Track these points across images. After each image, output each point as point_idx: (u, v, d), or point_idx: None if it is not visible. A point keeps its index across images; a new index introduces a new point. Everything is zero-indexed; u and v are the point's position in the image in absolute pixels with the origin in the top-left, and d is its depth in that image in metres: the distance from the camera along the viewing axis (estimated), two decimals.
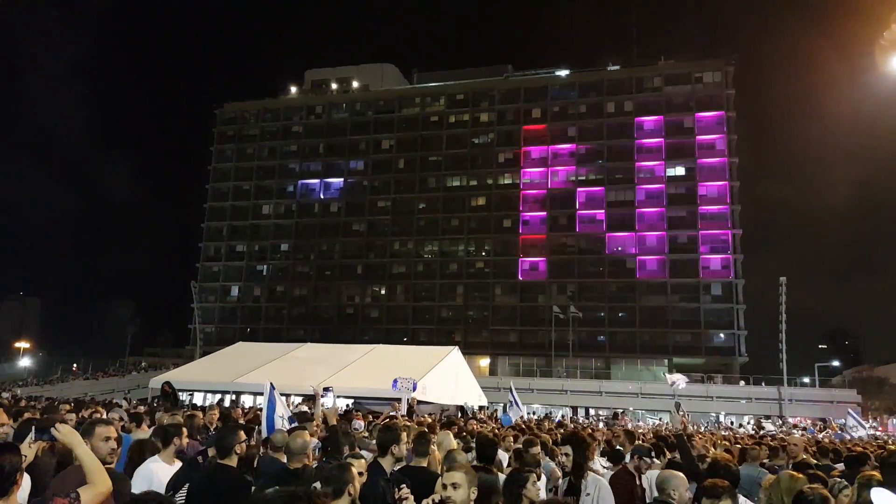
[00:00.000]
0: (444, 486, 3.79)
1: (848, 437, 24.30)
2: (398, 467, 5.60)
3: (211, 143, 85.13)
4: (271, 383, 9.82)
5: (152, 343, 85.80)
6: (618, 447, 10.05)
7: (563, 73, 76.75)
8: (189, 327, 75.49)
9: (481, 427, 13.03)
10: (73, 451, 3.81)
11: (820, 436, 25.48)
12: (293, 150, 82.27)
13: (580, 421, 29.79)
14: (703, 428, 28.93)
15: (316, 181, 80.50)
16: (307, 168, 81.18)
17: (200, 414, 10.57)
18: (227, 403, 20.72)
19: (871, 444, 16.21)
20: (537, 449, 6.96)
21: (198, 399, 24.41)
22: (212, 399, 22.63)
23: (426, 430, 7.67)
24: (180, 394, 24.68)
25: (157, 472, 5.77)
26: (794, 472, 4.47)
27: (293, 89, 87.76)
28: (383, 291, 76.19)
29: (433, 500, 3.82)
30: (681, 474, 5.30)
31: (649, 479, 7.09)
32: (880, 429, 42.84)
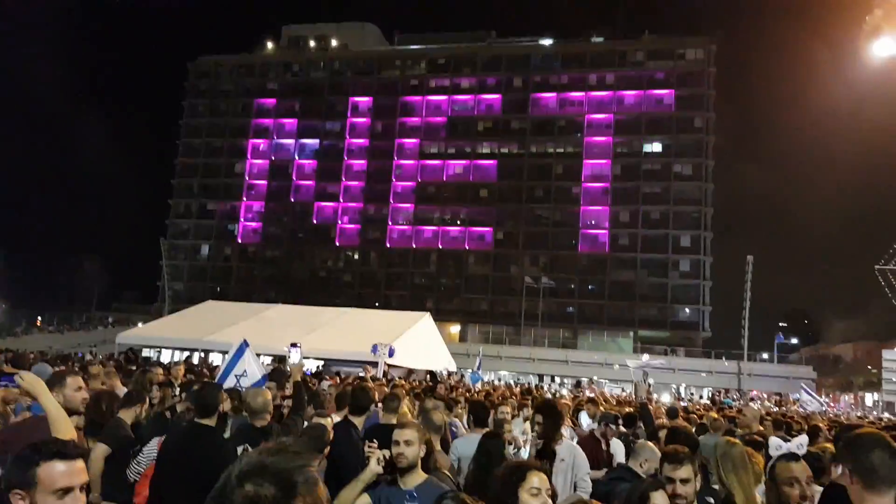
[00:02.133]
0: (397, 443, 3.91)
1: (801, 410, 25.16)
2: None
3: (183, 98, 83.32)
4: (245, 340, 9.78)
5: (119, 298, 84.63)
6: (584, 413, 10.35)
7: (547, 42, 76.26)
8: (157, 284, 74.77)
9: (449, 392, 13.25)
10: (37, 400, 3.64)
11: (774, 409, 26.28)
12: (268, 109, 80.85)
13: (545, 388, 30.31)
14: (664, 399, 29.67)
15: (291, 141, 79.44)
16: (282, 128, 79.98)
17: (160, 370, 10.56)
18: (195, 361, 20.71)
19: (823, 419, 16.82)
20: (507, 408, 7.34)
21: (165, 356, 24.35)
22: (180, 357, 22.60)
23: (403, 391, 7.88)
24: (147, 350, 24.62)
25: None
26: (731, 438, 4.67)
27: (269, 45, 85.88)
28: (357, 256, 76.06)
29: (384, 456, 3.95)
30: (654, 447, 5.51)
31: (615, 445, 7.36)
32: (831, 405, 44.33)
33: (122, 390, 8.54)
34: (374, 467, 3.95)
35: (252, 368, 9.31)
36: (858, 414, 33.52)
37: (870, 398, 58.20)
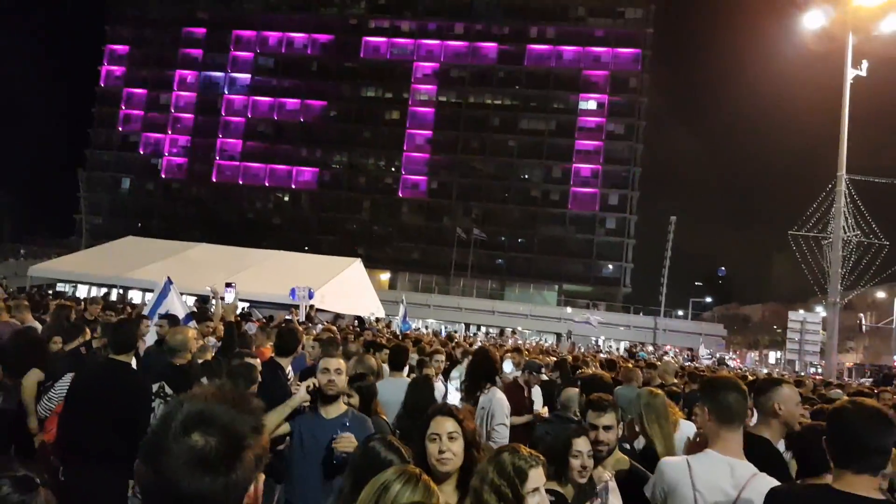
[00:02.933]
0: (327, 370, 3.96)
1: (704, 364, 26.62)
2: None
3: (106, 21, 78.32)
4: (169, 278, 9.49)
5: (32, 230, 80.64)
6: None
7: None
8: (74, 217, 71.51)
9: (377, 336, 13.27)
10: None
11: (688, 363, 27.63)
12: (197, 38, 76.93)
13: (470, 337, 30.87)
14: (583, 350, 30.74)
15: (220, 74, 76.23)
16: (212, 60, 76.37)
17: (73, 305, 10.19)
18: (113, 298, 20.03)
19: (731, 374, 17.71)
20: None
21: (81, 292, 23.45)
22: (97, 293, 21.79)
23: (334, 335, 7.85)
24: (62, 285, 23.63)
25: None
26: (654, 389, 4.82)
27: None
28: (287, 199, 74.56)
29: (313, 384, 3.98)
30: (576, 390, 5.70)
31: (536, 392, 7.57)
32: (738, 361, 47.12)
33: (34, 325, 8.20)
34: (304, 394, 4.00)
35: (176, 307, 9.10)
36: (764, 371, 35.66)
37: (773, 356, 62.12)
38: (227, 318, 6.57)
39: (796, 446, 3.56)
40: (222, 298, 8.43)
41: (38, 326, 8.16)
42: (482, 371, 5.57)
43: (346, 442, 3.58)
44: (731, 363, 26.70)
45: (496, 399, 5.37)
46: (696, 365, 25.43)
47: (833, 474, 2.52)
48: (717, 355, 31.99)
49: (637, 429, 4.37)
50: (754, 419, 3.77)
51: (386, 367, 6.89)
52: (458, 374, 7.71)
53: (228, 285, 15.59)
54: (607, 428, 3.52)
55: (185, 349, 5.60)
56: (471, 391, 5.59)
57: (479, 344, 22.32)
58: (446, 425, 2.81)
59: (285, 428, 3.95)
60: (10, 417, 5.70)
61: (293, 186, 73.95)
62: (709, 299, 73.23)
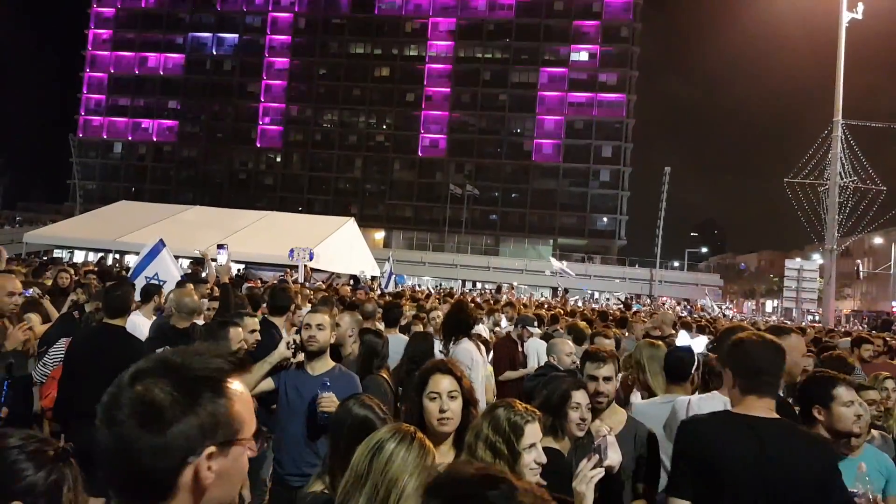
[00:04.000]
0: (309, 326, 3.95)
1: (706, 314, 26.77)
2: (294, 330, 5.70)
3: None
4: (162, 240, 9.40)
5: (26, 197, 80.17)
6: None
7: None
8: (68, 183, 70.92)
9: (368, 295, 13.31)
10: None
11: (684, 314, 27.84)
12: (183, 0, 75.39)
13: (468, 293, 31.02)
14: (579, 303, 30.91)
15: (208, 35, 74.83)
16: (199, 19, 74.93)
17: (71, 271, 10.15)
18: (109, 262, 20.00)
19: (729, 323, 17.85)
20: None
21: (78, 258, 23.44)
22: (93, 258, 21.76)
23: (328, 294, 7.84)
24: (59, 251, 23.59)
25: (139, 325, 5.88)
26: (653, 340, 4.84)
27: None
28: (279, 159, 73.96)
29: (294, 340, 3.99)
30: (566, 341, 5.67)
31: (530, 346, 7.61)
32: (735, 310, 47.25)
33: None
34: (283, 349, 3.96)
35: (170, 269, 9.03)
36: (761, 319, 35.91)
37: (770, 305, 62.46)
38: (222, 279, 6.54)
39: (800, 396, 3.43)
40: (214, 260, 8.35)
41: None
42: (454, 323, 5.44)
43: (328, 402, 3.54)
44: (728, 312, 26.98)
45: (460, 349, 5.22)
46: (697, 315, 25.62)
47: (735, 402, 2.70)
48: (715, 305, 32.19)
49: (636, 381, 4.39)
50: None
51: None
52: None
53: (220, 247, 15.55)
54: (607, 379, 3.49)
55: (197, 311, 5.59)
56: (445, 345, 5.51)
57: (478, 298, 22.48)
58: (445, 383, 2.74)
59: (269, 384, 3.94)
60: (28, 382, 5.66)
61: (283, 147, 73.23)
62: (704, 249, 73.58)
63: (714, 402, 3.28)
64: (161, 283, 8.30)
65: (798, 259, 32.10)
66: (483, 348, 5.77)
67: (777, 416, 2.61)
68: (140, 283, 8.23)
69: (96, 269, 12.84)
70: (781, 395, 3.49)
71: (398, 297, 13.31)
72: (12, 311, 4.46)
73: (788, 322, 26.55)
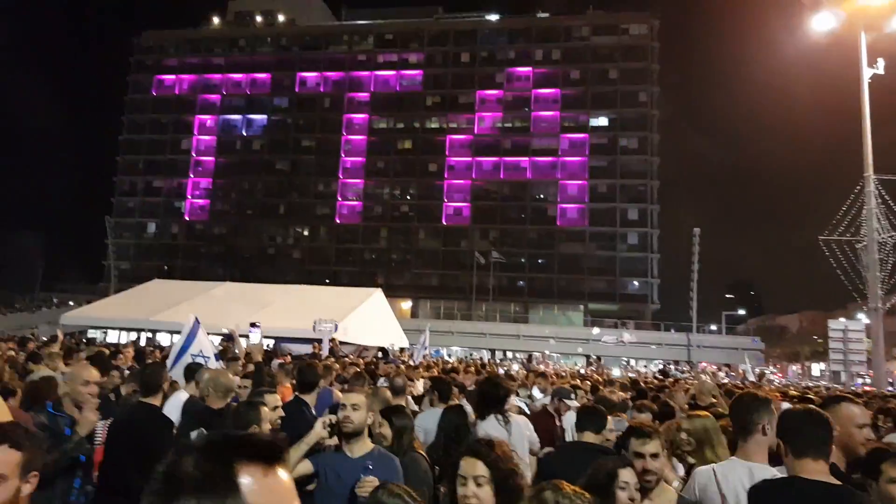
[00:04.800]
0: (344, 406, 3.86)
1: (749, 380, 25.91)
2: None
3: (128, 73, 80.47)
4: (196, 318, 9.48)
5: (64, 278, 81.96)
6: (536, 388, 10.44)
7: (493, 17, 76.16)
8: (103, 263, 72.42)
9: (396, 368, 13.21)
10: None
11: (725, 380, 27.01)
12: (214, 84, 78.74)
13: (497, 363, 30.63)
14: (615, 373, 30.25)
15: (238, 117, 77.63)
16: (229, 103, 78.03)
17: (106, 350, 10.27)
18: (142, 342, 20.20)
19: (772, 389, 17.25)
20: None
21: (112, 337, 23.70)
22: (127, 337, 22.01)
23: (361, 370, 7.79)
24: (94, 331, 23.90)
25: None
26: (700, 412, 4.69)
27: (216, 20, 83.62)
28: (306, 232, 75.12)
29: (330, 420, 3.89)
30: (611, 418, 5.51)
31: (568, 420, 7.37)
32: (779, 374, 45.45)
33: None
34: (319, 429, 3.87)
35: (206, 347, 9.09)
36: (807, 384, 34.52)
37: (816, 368, 59.78)
38: (255, 357, 6.54)
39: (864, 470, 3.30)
40: (246, 337, 8.39)
41: None
42: (485, 396, 5.30)
43: (368, 486, 3.40)
44: (773, 378, 25.97)
45: (516, 427, 5.05)
46: (736, 382, 24.81)
47: (792, 466, 2.87)
48: (758, 370, 31.07)
49: (683, 455, 4.25)
50: None
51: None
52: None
53: (253, 325, 15.63)
54: (654, 456, 3.35)
55: (233, 391, 5.59)
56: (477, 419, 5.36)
57: (517, 370, 22.16)
58: (475, 468, 2.67)
59: (307, 466, 3.83)
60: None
61: (311, 220, 74.48)
62: (742, 311, 71.59)
63: (736, 467, 3.29)
64: (206, 361, 8.35)
65: (842, 319, 30.67)
66: (522, 420, 5.69)
67: (824, 480, 2.75)
68: (186, 361, 8.29)
69: (132, 351, 12.95)
70: (843, 469, 3.30)
71: (449, 371, 13.08)
72: (87, 400, 4.54)
73: (839, 387, 25.48)
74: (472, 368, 15.74)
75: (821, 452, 2.81)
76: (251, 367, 8.91)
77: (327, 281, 62.96)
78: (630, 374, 26.96)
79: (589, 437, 4.45)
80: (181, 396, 5.99)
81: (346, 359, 15.36)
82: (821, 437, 2.84)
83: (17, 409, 4.62)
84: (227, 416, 5.26)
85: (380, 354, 20.58)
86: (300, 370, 6.47)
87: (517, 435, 5.19)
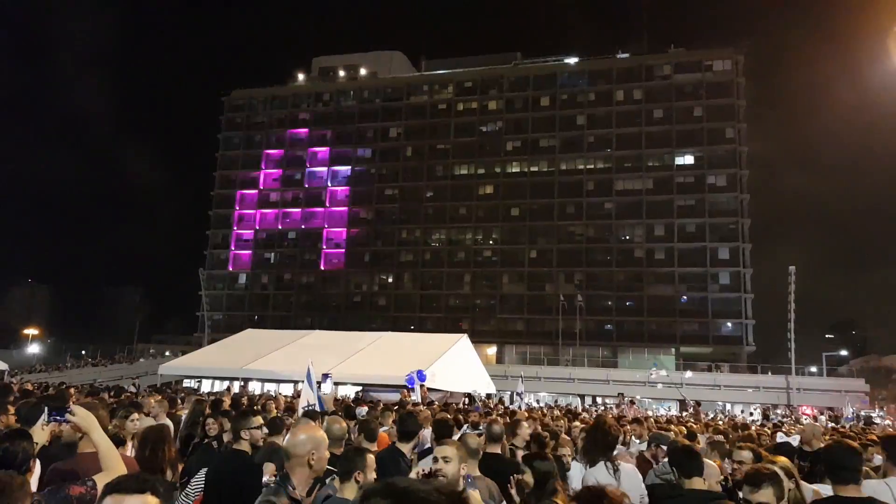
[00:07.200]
0: (436, 459, 3.80)
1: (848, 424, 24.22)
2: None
3: (219, 131, 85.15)
4: (311, 363, 9.63)
5: (160, 330, 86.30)
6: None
7: (573, 60, 76.29)
8: (197, 314, 75.77)
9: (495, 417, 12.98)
10: (88, 435, 3.50)
11: (830, 425, 25.35)
12: (301, 138, 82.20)
13: (588, 408, 29.76)
14: (710, 416, 28.84)
15: (324, 169, 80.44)
16: (315, 156, 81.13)
17: (207, 399, 10.58)
18: (235, 390, 20.78)
19: (883, 432, 16.04)
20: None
21: (206, 386, 24.50)
22: (220, 386, 22.71)
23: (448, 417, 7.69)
24: (189, 381, 24.82)
25: None
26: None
27: (301, 76, 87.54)
28: (391, 279, 76.22)
29: (423, 471, 3.86)
30: (712, 463, 5.21)
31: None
32: (888, 418, 42.44)
33: (167, 422, 8.54)
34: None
35: (310, 395, 9.22)
36: None
37: None
38: (327, 407, 6.60)
39: None
40: (319, 384, 8.46)
41: (170, 424, 8.48)
42: (599, 445, 5.12)
43: None
44: (879, 421, 24.11)
45: (625, 475, 4.85)
46: (836, 426, 23.27)
47: (836, 489, 3.64)
48: (861, 413, 28.98)
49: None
50: None
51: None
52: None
53: (325, 375, 15.82)
54: None
55: (342, 438, 5.60)
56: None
57: (615, 414, 21.47)
58: None
59: None
60: None
61: (395, 267, 75.60)
62: (844, 352, 67.62)
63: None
64: (323, 409, 8.45)
65: None
66: (631, 468, 5.44)
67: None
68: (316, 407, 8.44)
69: (230, 398, 13.33)
70: None
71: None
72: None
73: None
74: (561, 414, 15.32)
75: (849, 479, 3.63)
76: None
77: (412, 327, 63.42)
78: (723, 418, 25.61)
79: (697, 483, 4.20)
80: None
81: (434, 405, 15.27)
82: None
83: (129, 458, 4.77)
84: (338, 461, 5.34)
85: (466, 401, 20.39)
86: (401, 418, 6.42)
87: (626, 483, 4.97)
